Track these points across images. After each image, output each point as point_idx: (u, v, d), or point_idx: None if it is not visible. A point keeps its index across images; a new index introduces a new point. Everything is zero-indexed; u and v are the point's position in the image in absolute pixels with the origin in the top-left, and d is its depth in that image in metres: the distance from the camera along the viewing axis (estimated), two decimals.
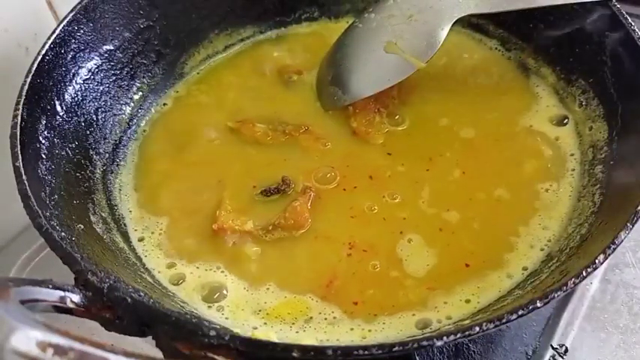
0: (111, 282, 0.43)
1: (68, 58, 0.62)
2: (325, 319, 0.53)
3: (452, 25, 0.65)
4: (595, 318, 0.61)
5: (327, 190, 0.61)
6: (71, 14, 0.63)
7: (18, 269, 0.69)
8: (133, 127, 0.70)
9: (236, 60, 0.78)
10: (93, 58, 0.65)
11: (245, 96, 0.72)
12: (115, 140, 0.67)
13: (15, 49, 0.68)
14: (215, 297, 0.55)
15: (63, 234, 0.48)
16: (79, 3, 0.64)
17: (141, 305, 0.44)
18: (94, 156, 0.63)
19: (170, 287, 0.56)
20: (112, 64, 0.68)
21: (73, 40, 0.63)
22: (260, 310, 0.54)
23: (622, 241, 0.46)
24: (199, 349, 0.41)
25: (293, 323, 0.53)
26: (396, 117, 0.68)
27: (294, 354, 0.40)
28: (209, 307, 0.54)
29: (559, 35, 0.68)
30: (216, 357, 0.41)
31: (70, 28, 0.62)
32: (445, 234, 0.58)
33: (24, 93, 0.55)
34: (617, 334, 0.60)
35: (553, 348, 0.59)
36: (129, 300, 0.43)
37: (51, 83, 0.59)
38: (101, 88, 0.66)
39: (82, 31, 0.64)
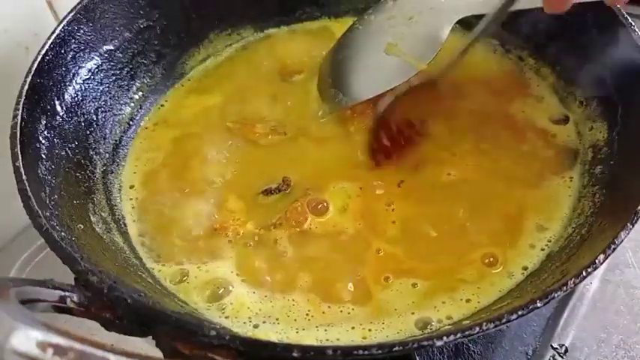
0: (111, 282, 0.43)
1: (68, 58, 0.62)
2: (325, 318, 0.53)
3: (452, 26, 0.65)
4: (595, 318, 0.61)
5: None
6: (71, 14, 0.63)
7: (18, 269, 0.69)
8: (133, 127, 0.70)
9: (236, 60, 0.78)
10: (93, 58, 0.65)
11: (245, 96, 0.72)
12: (115, 140, 0.67)
13: (15, 49, 0.68)
14: (215, 297, 0.55)
15: (63, 234, 0.48)
16: (79, 3, 0.64)
17: (141, 305, 0.44)
18: (94, 156, 0.63)
19: (170, 287, 0.56)
20: (112, 64, 0.68)
21: (73, 40, 0.63)
22: (260, 310, 0.54)
23: (622, 241, 0.46)
24: (199, 349, 0.41)
25: (293, 323, 0.53)
26: None
27: (294, 354, 0.40)
28: (209, 306, 0.54)
29: (559, 35, 0.68)
30: (216, 357, 0.41)
31: (70, 28, 0.62)
32: (443, 234, 0.58)
33: (24, 93, 0.55)
34: (617, 334, 0.60)
35: (553, 348, 0.59)
36: (129, 300, 0.43)
37: (51, 83, 0.59)
38: (101, 88, 0.66)
39: (82, 31, 0.64)
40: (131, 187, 0.65)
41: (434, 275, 0.55)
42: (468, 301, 0.53)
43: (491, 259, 0.55)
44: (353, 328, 0.52)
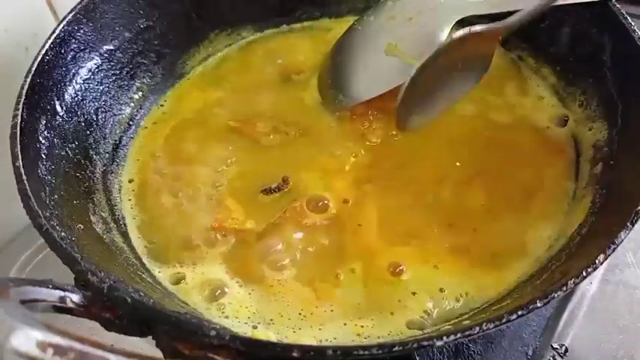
0: (111, 282, 0.43)
1: (68, 58, 0.62)
2: (316, 318, 0.53)
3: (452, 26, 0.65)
4: (595, 318, 0.61)
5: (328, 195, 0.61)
6: (71, 14, 0.63)
7: (18, 269, 0.69)
8: (133, 127, 0.70)
9: (236, 60, 0.78)
10: (93, 58, 0.65)
11: (245, 95, 0.72)
12: (115, 140, 0.67)
13: (15, 49, 0.68)
14: (215, 296, 0.55)
15: (63, 234, 0.48)
16: (79, 3, 0.64)
17: (141, 305, 0.44)
18: (94, 156, 0.63)
19: (170, 287, 0.56)
20: (112, 64, 0.68)
21: (73, 40, 0.63)
22: (260, 310, 0.54)
23: (622, 241, 0.46)
24: (199, 349, 0.41)
25: (288, 322, 0.53)
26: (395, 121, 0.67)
27: (294, 354, 0.40)
28: (209, 306, 0.54)
29: (559, 35, 0.68)
30: (216, 357, 0.41)
31: (70, 28, 0.62)
32: (441, 235, 0.57)
33: (24, 93, 0.55)
34: (617, 334, 0.60)
35: (553, 348, 0.59)
36: (129, 300, 0.43)
37: (51, 83, 0.59)
38: (101, 88, 0.66)
39: (82, 31, 0.64)
40: (131, 186, 0.65)
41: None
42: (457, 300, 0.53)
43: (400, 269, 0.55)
44: (345, 324, 0.52)
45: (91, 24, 0.65)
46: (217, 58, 0.78)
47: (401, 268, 0.55)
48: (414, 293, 0.54)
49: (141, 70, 0.71)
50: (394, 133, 0.66)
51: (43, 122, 0.57)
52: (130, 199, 0.63)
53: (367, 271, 0.55)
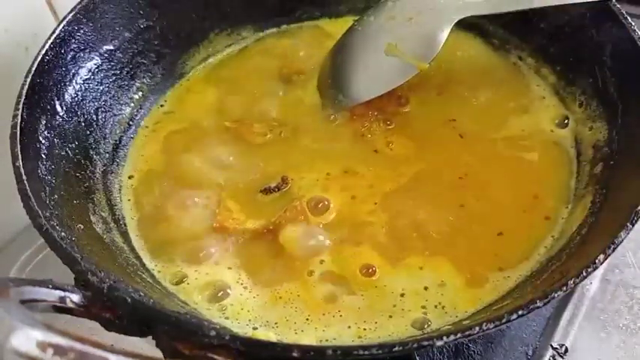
0: (111, 282, 0.43)
1: (68, 58, 0.62)
2: (322, 321, 0.53)
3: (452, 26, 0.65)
4: (595, 318, 0.61)
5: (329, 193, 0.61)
6: (71, 14, 0.63)
7: (18, 269, 0.69)
8: (133, 127, 0.70)
9: (236, 60, 0.78)
10: (93, 58, 0.65)
11: (245, 96, 0.72)
12: (115, 140, 0.67)
13: (15, 49, 0.68)
14: (215, 297, 0.55)
15: (63, 234, 0.48)
16: (79, 3, 0.64)
17: (141, 305, 0.44)
18: (94, 156, 0.63)
19: (170, 287, 0.56)
20: (112, 64, 0.68)
21: (73, 40, 0.63)
22: (260, 310, 0.54)
23: (622, 241, 0.46)
24: (199, 349, 0.41)
25: (293, 325, 0.53)
26: (395, 122, 0.67)
27: (294, 354, 0.40)
28: (209, 306, 0.54)
29: (559, 35, 0.68)
30: (216, 357, 0.41)
31: (70, 28, 0.62)
32: (441, 238, 0.57)
33: (24, 93, 0.55)
34: (617, 334, 0.60)
35: (553, 348, 0.59)
36: (129, 300, 0.43)
37: (51, 83, 0.60)
38: (101, 88, 0.66)
39: (82, 31, 0.64)
40: (131, 186, 0.65)
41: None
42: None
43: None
44: (349, 327, 0.52)
45: (91, 24, 0.65)
46: (217, 58, 0.78)
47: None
48: (425, 288, 0.54)
49: (141, 70, 0.71)
50: (392, 134, 0.66)
51: (43, 122, 0.57)
52: (129, 199, 0.63)
53: (368, 273, 0.55)
